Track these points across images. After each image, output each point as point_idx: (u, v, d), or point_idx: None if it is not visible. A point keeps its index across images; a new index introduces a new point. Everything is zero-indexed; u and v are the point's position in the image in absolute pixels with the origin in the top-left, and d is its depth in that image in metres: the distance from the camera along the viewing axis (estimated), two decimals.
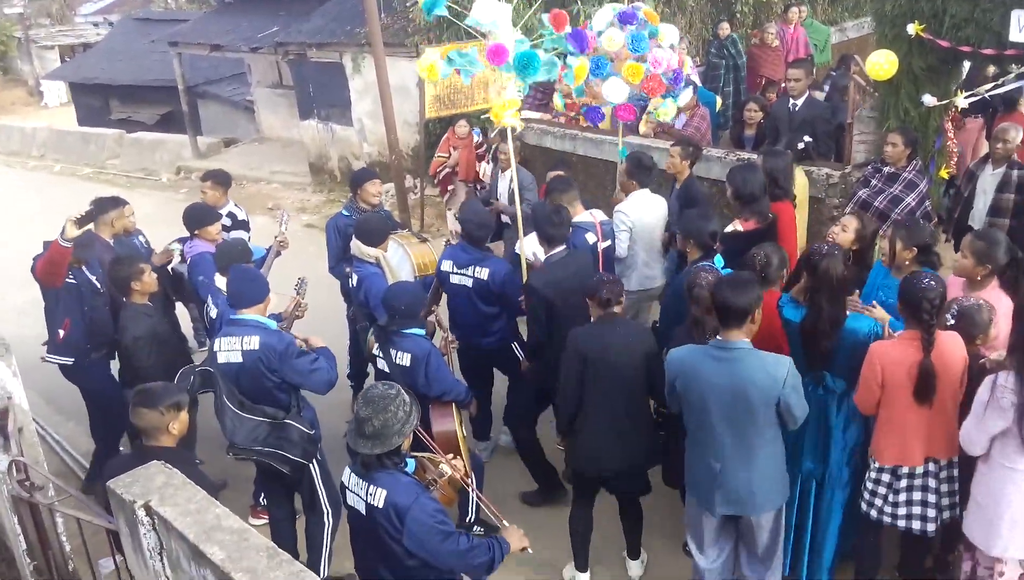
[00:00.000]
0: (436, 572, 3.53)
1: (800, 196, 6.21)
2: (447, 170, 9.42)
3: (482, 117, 10.62)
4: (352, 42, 12.59)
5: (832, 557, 4.64)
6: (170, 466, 3.16)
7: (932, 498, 4.16)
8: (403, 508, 3.37)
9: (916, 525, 4.19)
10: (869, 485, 4.26)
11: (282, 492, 5.00)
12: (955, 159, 6.57)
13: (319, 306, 7.05)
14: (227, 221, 6.84)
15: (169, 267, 6.48)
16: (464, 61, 5.48)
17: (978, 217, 6.34)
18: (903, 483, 4.15)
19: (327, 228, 6.71)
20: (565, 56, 5.97)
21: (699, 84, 9.34)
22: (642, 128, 8.77)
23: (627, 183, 6.37)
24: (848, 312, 4.37)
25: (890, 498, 4.19)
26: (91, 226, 5.40)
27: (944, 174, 6.52)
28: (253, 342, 4.54)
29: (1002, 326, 4.36)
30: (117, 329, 5.48)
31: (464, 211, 5.88)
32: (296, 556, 4.64)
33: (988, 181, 6.27)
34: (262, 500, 5.65)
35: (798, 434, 4.48)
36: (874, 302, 4.46)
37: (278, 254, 6.24)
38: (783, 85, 9.36)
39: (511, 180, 7.69)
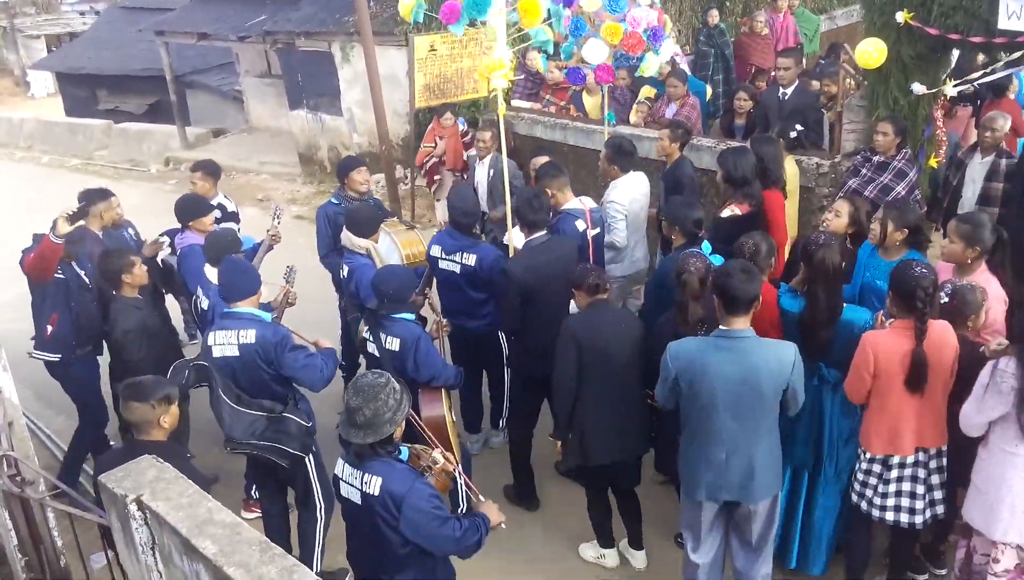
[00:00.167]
0: (430, 559, 3.55)
1: (791, 185, 6.23)
2: (434, 160, 9.40)
3: (470, 108, 10.65)
4: (341, 31, 12.52)
5: (830, 546, 4.67)
6: (161, 460, 3.15)
7: (921, 489, 4.18)
8: (399, 494, 3.37)
9: (904, 518, 4.22)
10: (860, 476, 4.28)
11: (275, 486, 5.00)
12: (944, 147, 6.58)
13: (310, 297, 7.04)
14: (217, 213, 6.81)
15: (159, 259, 6.45)
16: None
17: (967, 206, 6.36)
18: (893, 474, 4.17)
19: (317, 217, 6.69)
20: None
21: (689, 73, 9.34)
22: (633, 117, 8.78)
23: (609, 169, 6.42)
24: (845, 303, 4.39)
25: (880, 489, 4.21)
26: (83, 222, 5.37)
27: (933, 163, 6.53)
28: (249, 335, 4.52)
29: (996, 309, 4.40)
30: (107, 322, 5.45)
31: (451, 197, 5.87)
32: (289, 550, 4.65)
33: (977, 170, 6.28)
34: (254, 494, 5.65)
35: (791, 424, 4.50)
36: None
37: (270, 248, 6.22)
38: (773, 74, 9.36)
39: (489, 168, 7.71)
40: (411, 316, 4.92)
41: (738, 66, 10.83)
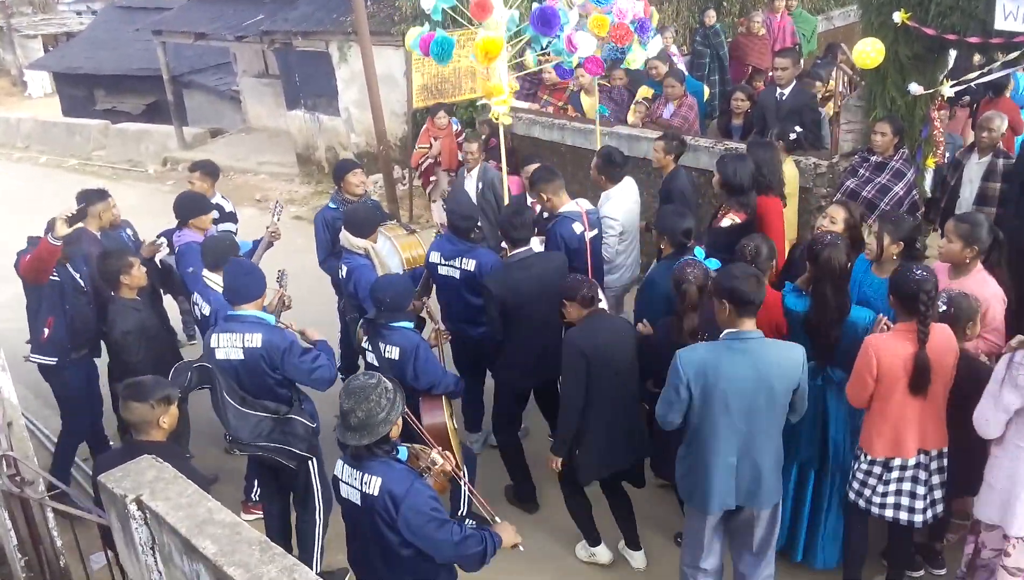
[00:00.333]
0: (430, 562, 3.54)
1: (790, 188, 6.23)
2: (430, 161, 9.40)
3: (467, 108, 10.66)
4: (338, 31, 12.53)
5: (838, 543, 4.69)
6: (161, 460, 3.15)
7: (921, 490, 4.19)
8: (398, 494, 3.37)
9: (903, 515, 4.23)
10: (859, 476, 4.28)
11: (277, 487, 5.00)
12: (942, 148, 6.60)
13: (309, 299, 7.05)
14: (215, 213, 6.81)
15: (157, 259, 6.45)
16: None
17: (965, 206, 6.37)
18: (894, 475, 4.18)
19: (315, 222, 6.69)
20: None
21: (687, 73, 9.35)
22: (630, 118, 8.79)
23: (598, 178, 6.43)
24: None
25: (879, 489, 4.22)
26: (81, 224, 5.37)
27: (931, 163, 6.55)
28: (255, 339, 4.51)
29: (997, 307, 4.41)
30: (106, 324, 5.45)
31: (449, 202, 5.88)
32: (289, 550, 4.65)
33: (974, 170, 6.30)
34: (254, 496, 5.65)
35: (796, 424, 4.48)
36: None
37: (270, 245, 6.22)
38: (770, 74, 9.38)
39: (478, 181, 7.71)
40: (410, 324, 4.92)
41: (735, 66, 10.84)
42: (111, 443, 6.06)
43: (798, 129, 6.81)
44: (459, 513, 4.99)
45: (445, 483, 3.96)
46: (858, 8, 7.24)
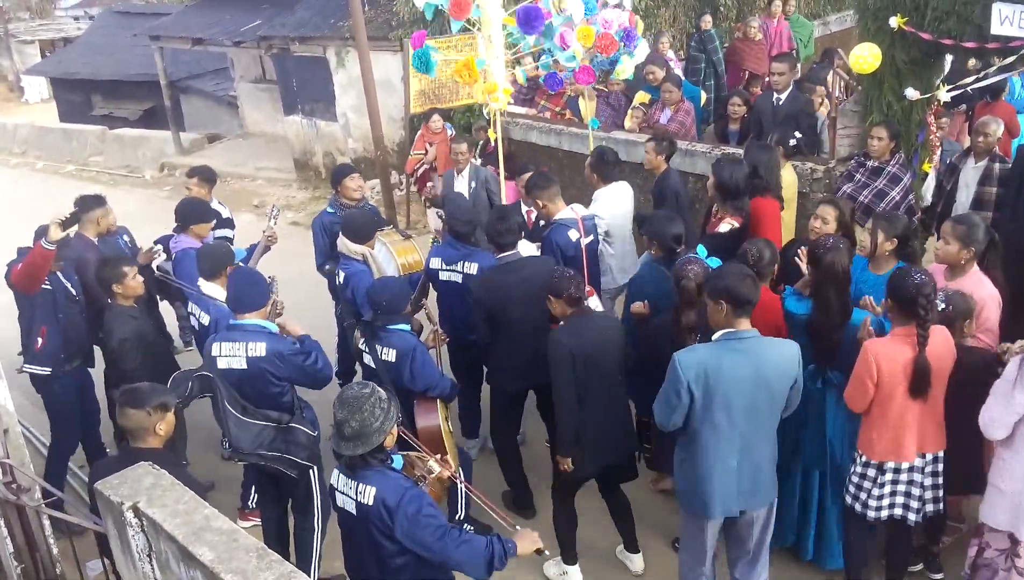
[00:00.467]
0: (427, 569, 3.53)
1: (788, 194, 6.24)
2: (425, 166, 9.40)
3: (465, 113, 10.67)
4: (336, 36, 12.53)
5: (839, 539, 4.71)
6: (158, 467, 3.15)
7: (916, 491, 4.20)
8: (393, 504, 3.36)
9: (898, 512, 4.25)
10: (855, 479, 4.29)
11: (275, 494, 4.98)
12: (938, 152, 6.61)
13: (306, 304, 7.06)
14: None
15: (154, 265, 6.44)
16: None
17: (961, 210, 6.38)
18: (888, 477, 4.18)
19: (313, 227, 6.70)
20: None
21: (683, 78, 9.36)
22: (627, 123, 8.80)
23: (590, 177, 6.47)
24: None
25: (874, 492, 4.22)
26: (75, 228, 5.34)
27: (927, 168, 6.56)
28: (259, 349, 4.50)
29: (992, 308, 4.43)
30: (103, 331, 5.42)
31: (448, 207, 5.87)
32: (287, 558, 4.64)
33: (970, 175, 6.31)
34: (251, 503, 5.64)
35: (798, 427, 4.56)
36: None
37: (267, 249, 6.22)
38: (767, 79, 9.39)
39: (470, 180, 7.72)
40: (407, 327, 4.92)
41: (732, 72, 10.85)
42: (108, 451, 6.04)
43: (798, 135, 6.83)
44: (456, 517, 4.99)
45: (441, 492, 3.95)
46: (855, 13, 7.27)
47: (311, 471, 4.76)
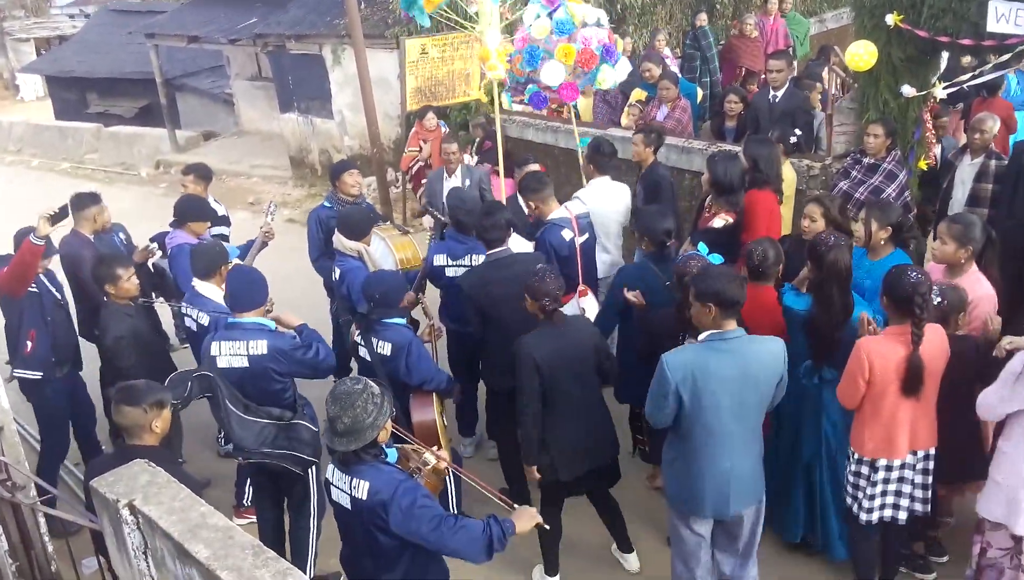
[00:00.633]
0: (421, 561, 3.53)
1: (788, 191, 6.25)
2: (420, 164, 9.39)
3: (461, 111, 10.66)
4: (332, 33, 12.53)
5: (841, 533, 4.74)
6: (153, 465, 3.14)
7: (907, 489, 4.22)
8: (387, 498, 3.35)
9: (888, 513, 4.26)
10: (851, 478, 4.30)
11: (273, 491, 4.97)
12: (934, 150, 6.62)
13: (301, 301, 7.03)
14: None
15: (149, 263, 6.43)
16: None
17: (957, 207, 6.39)
18: (880, 475, 4.19)
19: (309, 220, 6.69)
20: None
21: (679, 75, 9.37)
22: (624, 120, 8.80)
23: (586, 167, 6.52)
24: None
25: (868, 491, 4.23)
26: (64, 222, 5.29)
27: (923, 165, 6.56)
28: (260, 347, 4.48)
29: (986, 308, 4.43)
30: (98, 329, 5.41)
31: (451, 201, 5.86)
32: (283, 555, 4.63)
33: (967, 171, 6.32)
34: (246, 501, 5.63)
35: (797, 425, 4.60)
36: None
37: (264, 245, 6.21)
38: (763, 76, 9.40)
39: (464, 178, 7.71)
40: (402, 321, 4.92)
41: (728, 69, 10.87)
42: (104, 448, 6.03)
43: (798, 132, 6.85)
44: (450, 510, 4.99)
45: (437, 484, 3.94)
46: (851, 10, 7.26)
47: (312, 468, 4.75)
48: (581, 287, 5.78)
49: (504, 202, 6.69)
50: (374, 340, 4.83)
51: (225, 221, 7.25)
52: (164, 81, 16.28)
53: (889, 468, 4.17)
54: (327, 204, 6.62)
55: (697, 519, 4.15)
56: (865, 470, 4.22)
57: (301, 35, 12.99)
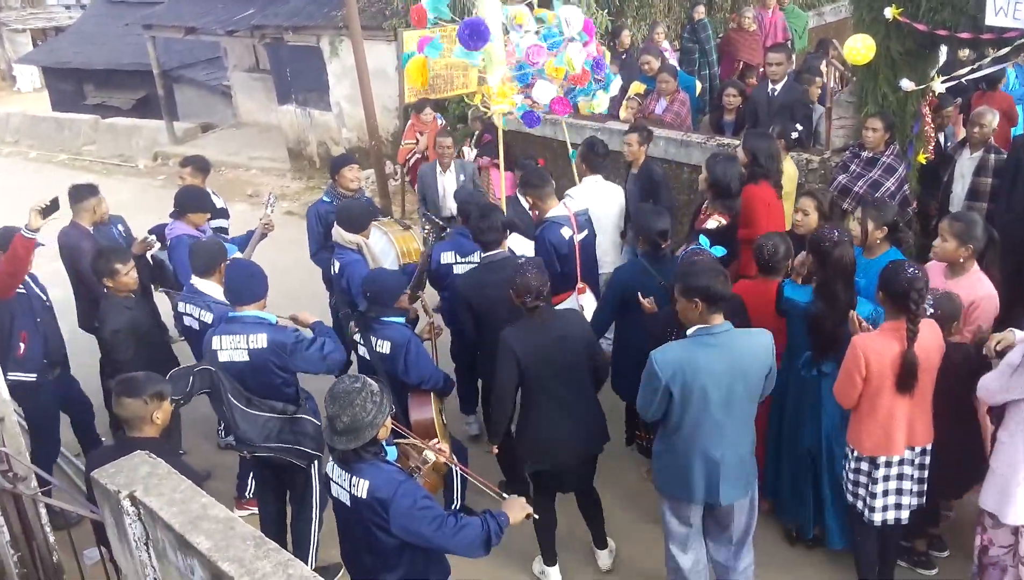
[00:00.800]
0: (421, 556, 3.54)
1: (788, 187, 6.26)
2: (416, 156, 9.38)
3: (459, 103, 10.63)
4: (330, 25, 12.50)
5: (838, 524, 4.77)
6: (154, 456, 3.15)
7: (907, 485, 4.22)
8: (386, 497, 3.35)
9: (891, 515, 4.27)
10: (851, 475, 4.31)
11: (275, 485, 4.98)
12: (932, 144, 6.62)
13: (300, 293, 7.05)
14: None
15: (148, 255, 6.43)
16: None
17: (956, 201, 6.40)
18: (880, 472, 4.20)
19: (308, 215, 6.70)
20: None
21: (678, 68, 9.35)
22: (623, 114, 8.79)
23: (579, 165, 6.57)
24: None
25: (870, 488, 4.24)
26: (55, 215, 5.24)
27: (922, 159, 6.57)
28: (260, 340, 4.48)
29: (987, 309, 4.42)
30: (97, 321, 5.41)
31: (459, 195, 5.87)
32: (284, 546, 4.65)
33: (966, 165, 6.33)
34: (247, 493, 5.64)
35: (797, 416, 4.63)
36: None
37: (263, 237, 6.21)
38: (761, 70, 9.39)
39: (458, 173, 7.72)
40: (401, 319, 4.92)
41: (726, 62, 10.85)
42: (103, 440, 6.04)
43: (799, 127, 6.86)
44: (452, 506, 5.00)
45: (437, 481, 3.95)
46: (849, 4, 7.26)
47: (315, 462, 4.76)
48: (580, 285, 5.78)
49: (504, 197, 6.71)
50: (373, 338, 4.84)
51: (224, 213, 7.24)
52: (161, 72, 16.24)
53: (889, 464, 4.18)
54: (326, 198, 6.62)
55: (688, 507, 4.19)
56: (865, 466, 4.23)
57: (299, 26, 12.96)
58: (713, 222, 5.63)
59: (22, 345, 5.33)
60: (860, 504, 4.31)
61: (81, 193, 6.24)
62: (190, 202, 6.19)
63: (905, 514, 4.26)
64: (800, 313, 4.49)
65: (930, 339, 4.05)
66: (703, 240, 4.83)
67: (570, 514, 5.04)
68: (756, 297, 4.71)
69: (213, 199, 7.14)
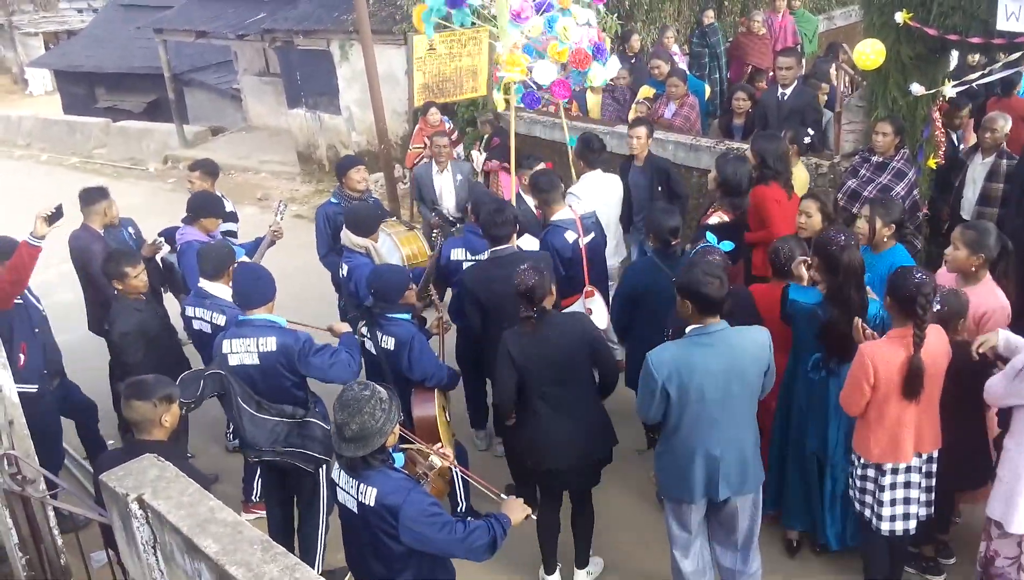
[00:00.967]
0: (427, 561, 3.54)
1: (801, 192, 6.23)
2: (424, 160, 9.38)
3: (468, 107, 10.65)
4: (340, 29, 12.53)
5: (835, 525, 4.77)
6: (162, 459, 3.16)
7: (915, 493, 4.20)
8: (395, 506, 3.34)
9: (900, 526, 4.23)
10: (857, 482, 4.29)
11: (282, 489, 4.98)
12: (943, 148, 6.60)
13: (309, 296, 7.06)
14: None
15: (158, 258, 6.45)
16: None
17: (967, 206, 6.38)
18: (887, 480, 4.17)
19: (316, 217, 6.71)
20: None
21: (687, 72, 9.35)
22: (632, 117, 8.77)
23: (576, 163, 6.63)
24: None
25: (877, 495, 4.21)
26: (59, 223, 5.22)
27: (932, 164, 6.54)
28: (270, 343, 4.48)
29: (999, 320, 4.38)
30: (107, 323, 5.42)
31: (474, 193, 5.87)
32: (291, 550, 4.65)
33: (978, 170, 6.31)
34: (255, 496, 5.65)
35: (804, 419, 4.61)
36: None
37: (272, 244, 6.23)
38: (771, 74, 9.37)
39: (455, 173, 7.72)
40: (407, 316, 4.92)
41: (735, 66, 10.83)
42: (109, 443, 6.05)
43: (811, 132, 6.86)
44: (459, 509, 5.00)
45: (444, 487, 3.94)
46: (860, 8, 7.24)
47: (323, 466, 4.76)
48: (588, 288, 5.78)
49: (513, 200, 6.72)
50: (378, 334, 4.85)
51: (233, 217, 7.26)
52: (172, 76, 16.30)
53: (896, 472, 4.15)
54: (334, 200, 6.64)
55: (688, 510, 4.18)
56: (872, 473, 4.20)
57: (309, 30, 13.00)
58: (715, 218, 5.65)
59: (22, 356, 5.24)
60: (868, 512, 4.28)
61: (92, 196, 6.27)
62: (204, 207, 6.21)
63: (913, 524, 4.23)
64: (806, 315, 4.47)
65: (937, 345, 4.02)
66: (710, 236, 4.83)
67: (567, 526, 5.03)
68: (772, 300, 4.68)
69: (224, 203, 7.17)
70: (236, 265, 5.16)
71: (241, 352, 4.51)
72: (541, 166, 6.70)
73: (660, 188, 6.73)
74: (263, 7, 14.55)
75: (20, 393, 5.00)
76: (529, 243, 5.74)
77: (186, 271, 6.01)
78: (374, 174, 10.92)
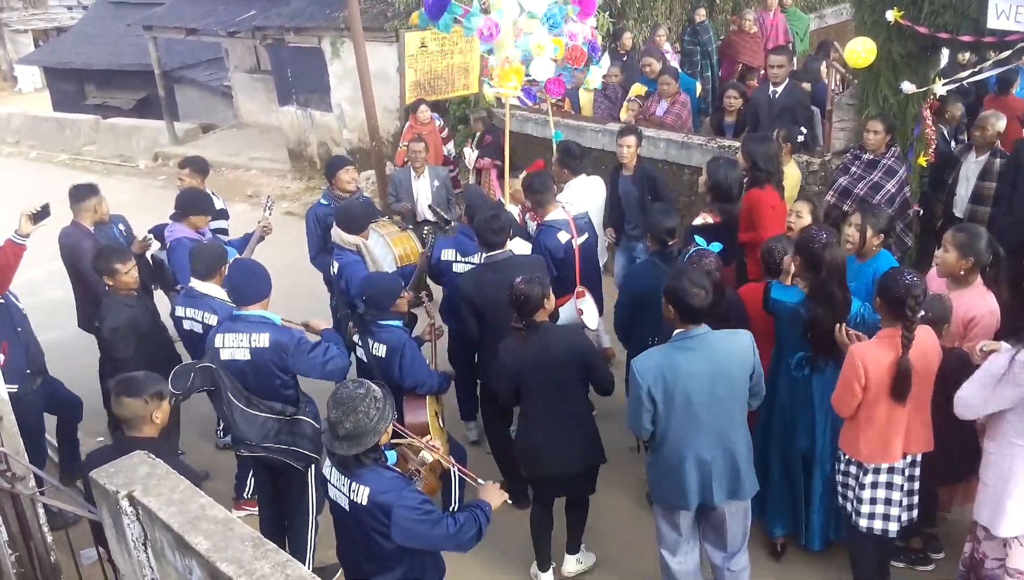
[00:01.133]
0: (418, 557, 3.55)
1: (792, 191, 6.26)
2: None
3: (460, 104, 10.64)
4: (331, 26, 12.50)
5: (821, 524, 4.78)
6: (153, 456, 3.14)
7: (896, 495, 4.19)
8: (387, 504, 3.34)
9: (878, 525, 4.23)
10: (840, 478, 4.31)
11: (273, 487, 4.96)
12: (933, 146, 6.62)
13: (300, 294, 7.04)
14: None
15: (148, 255, 6.43)
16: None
17: (960, 204, 6.40)
18: (869, 479, 4.17)
19: (307, 218, 6.71)
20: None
21: (679, 70, 9.36)
22: (623, 115, 8.79)
23: (559, 172, 6.55)
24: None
25: (857, 492, 4.22)
26: (45, 222, 5.19)
27: (923, 161, 6.57)
28: (263, 339, 4.46)
29: (988, 325, 4.36)
30: (98, 319, 5.40)
31: (469, 197, 5.87)
32: (282, 547, 4.64)
33: (971, 168, 6.32)
34: (246, 493, 5.63)
35: (793, 416, 4.61)
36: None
37: (261, 239, 6.22)
38: (762, 72, 9.39)
39: (432, 180, 7.71)
40: (398, 323, 4.92)
41: (727, 64, 10.85)
42: (98, 440, 6.01)
43: (804, 130, 6.87)
44: (451, 507, 4.99)
45: (436, 483, 3.95)
46: (851, 6, 7.26)
47: (312, 465, 4.75)
48: (579, 289, 5.78)
49: (504, 200, 6.72)
50: (370, 341, 4.86)
51: (223, 214, 7.24)
52: (162, 73, 16.25)
53: (877, 471, 4.16)
54: (324, 201, 6.63)
55: (681, 513, 4.18)
56: (854, 470, 4.22)
57: (300, 28, 12.97)
58: (700, 219, 5.66)
59: (2, 356, 5.20)
60: (849, 507, 4.29)
61: (82, 193, 6.24)
62: (192, 204, 6.18)
63: (893, 526, 4.22)
64: (788, 314, 4.48)
65: (928, 345, 4.03)
66: (698, 240, 4.84)
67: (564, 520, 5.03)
68: (758, 299, 4.70)
69: (213, 200, 7.14)
70: (230, 262, 5.14)
71: (233, 347, 4.50)
72: (524, 174, 6.68)
73: (651, 197, 6.70)
74: (254, 4, 14.50)
75: None
76: (521, 246, 5.74)
77: (176, 268, 5.98)
78: (365, 172, 10.92)
